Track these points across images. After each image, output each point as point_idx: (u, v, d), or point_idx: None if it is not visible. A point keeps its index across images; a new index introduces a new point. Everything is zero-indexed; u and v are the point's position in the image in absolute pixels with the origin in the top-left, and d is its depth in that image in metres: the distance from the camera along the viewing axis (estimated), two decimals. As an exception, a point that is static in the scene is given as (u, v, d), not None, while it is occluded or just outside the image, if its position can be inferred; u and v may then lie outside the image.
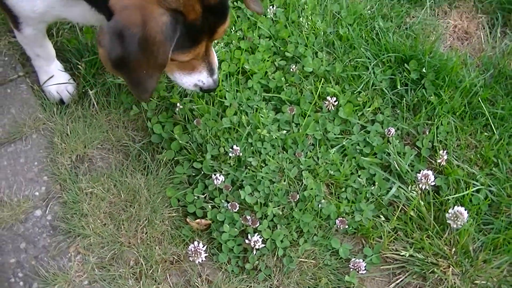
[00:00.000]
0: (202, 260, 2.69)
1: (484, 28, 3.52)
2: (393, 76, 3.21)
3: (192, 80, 2.56)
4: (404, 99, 3.16)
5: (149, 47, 2.09)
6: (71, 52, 3.14)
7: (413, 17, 3.52)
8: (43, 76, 3.12)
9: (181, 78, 2.57)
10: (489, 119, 3.07)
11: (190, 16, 2.15)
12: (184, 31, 2.17)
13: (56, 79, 3.09)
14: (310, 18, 3.33)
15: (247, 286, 2.72)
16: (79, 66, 3.06)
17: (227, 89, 3.09)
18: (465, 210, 2.73)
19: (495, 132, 3.04)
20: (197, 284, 2.72)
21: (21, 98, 3.16)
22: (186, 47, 2.30)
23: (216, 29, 2.34)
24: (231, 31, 3.28)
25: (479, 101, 3.12)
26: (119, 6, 2.05)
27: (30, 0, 2.45)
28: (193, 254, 2.67)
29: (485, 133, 3.08)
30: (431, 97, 3.11)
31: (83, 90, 3.06)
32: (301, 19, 3.34)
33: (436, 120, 3.07)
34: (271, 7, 3.36)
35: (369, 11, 3.45)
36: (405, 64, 3.22)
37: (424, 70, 3.17)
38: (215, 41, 2.79)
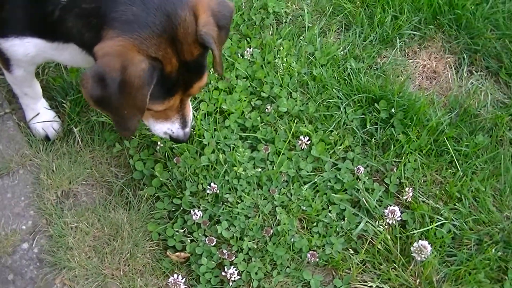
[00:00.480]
0: None
1: (451, 68, 3.63)
2: (363, 116, 3.32)
3: (163, 128, 2.65)
4: (374, 137, 3.26)
5: (127, 90, 2.16)
6: (56, 91, 3.22)
7: (384, 57, 3.63)
8: (29, 113, 3.18)
9: (153, 124, 2.65)
10: (454, 156, 3.18)
11: (167, 67, 2.24)
12: (160, 80, 2.25)
13: (42, 117, 3.16)
14: (285, 59, 3.43)
15: None
16: (64, 104, 3.14)
17: (205, 128, 3.17)
18: (429, 243, 2.82)
19: (459, 168, 3.15)
20: None
21: (8, 134, 3.21)
22: (161, 98, 2.38)
23: (192, 85, 2.43)
24: (210, 72, 3.29)
25: (445, 139, 3.22)
26: (101, 52, 2.14)
27: (23, 45, 2.52)
28: (173, 286, 2.74)
29: (450, 170, 3.18)
30: (400, 136, 3.21)
31: (68, 128, 3.14)
32: (276, 60, 3.44)
33: (403, 157, 3.17)
34: (248, 48, 3.45)
35: (341, 52, 3.56)
36: (375, 103, 3.32)
37: (393, 110, 3.27)
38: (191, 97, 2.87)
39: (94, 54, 2.19)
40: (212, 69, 3.20)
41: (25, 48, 2.54)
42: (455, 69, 3.66)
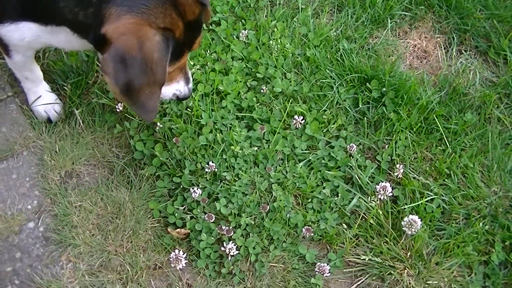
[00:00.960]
0: (182, 266, 2.82)
1: (441, 48, 3.69)
2: (356, 95, 3.38)
3: (171, 90, 2.71)
4: (366, 116, 3.33)
5: (148, 66, 2.19)
6: (57, 74, 3.24)
7: (375, 37, 3.69)
8: (31, 96, 3.22)
9: (163, 90, 2.63)
10: (443, 134, 3.25)
11: (176, 32, 2.29)
12: (174, 46, 2.30)
13: (44, 99, 3.20)
14: (279, 40, 3.48)
15: None
16: (65, 87, 3.18)
17: (203, 109, 3.21)
18: (419, 218, 2.89)
19: (448, 146, 3.23)
20: (178, 287, 2.87)
21: (11, 117, 3.25)
22: (173, 60, 2.40)
23: (194, 41, 2.49)
24: (206, 54, 3.40)
25: (434, 117, 3.28)
26: (116, 34, 2.15)
27: (18, 30, 2.55)
28: (174, 261, 2.81)
29: (439, 147, 3.25)
30: (391, 114, 3.27)
31: (70, 110, 3.18)
32: (271, 41, 3.48)
33: (395, 135, 3.23)
34: (243, 30, 3.50)
35: (334, 33, 3.60)
36: (367, 83, 3.38)
37: (384, 89, 3.33)
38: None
39: (104, 35, 2.18)
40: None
41: (21, 33, 2.57)
42: (444, 48, 3.71)
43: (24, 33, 2.57)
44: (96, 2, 2.23)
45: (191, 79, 2.74)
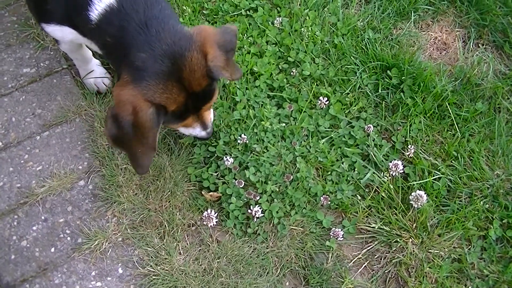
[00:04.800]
0: (213, 225, 3.02)
1: (460, 41, 3.83)
2: (377, 81, 3.51)
3: (187, 132, 2.83)
4: (385, 100, 3.47)
5: (140, 131, 2.35)
6: None
7: (399, 29, 3.82)
8: (82, 72, 3.43)
9: (181, 130, 2.84)
10: (454, 120, 3.37)
11: (171, 107, 2.42)
12: (170, 113, 2.45)
13: (94, 73, 3.40)
14: (310, 28, 3.62)
15: (248, 246, 3.04)
16: None
17: (238, 87, 3.37)
18: (425, 193, 3.07)
19: (458, 131, 3.34)
20: (208, 243, 3.03)
21: (65, 87, 3.45)
22: (176, 122, 2.60)
23: (201, 107, 2.62)
24: (243, 37, 3.57)
25: (447, 104, 3.40)
26: (117, 100, 2.35)
27: (61, 31, 2.77)
28: (206, 219, 3.01)
29: (450, 132, 3.36)
30: (408, 100, 3.41)
31: None
32: (303, 28, 3.63)
33: (410, 119, 3.37)
34: (278, 17, 3.65)
35: (361, 23, 3.74)
36: (388, 71, 3.52)
37: (403, 77, 3.46)
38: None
39: (112, 92, 2.44)
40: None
41: (63, 34, 2.78)
42: (463, 42, 3.84)
43: (66, 35, 2.79)
44: (120, 56, 2.44)
45: (209, 125, 2.81)
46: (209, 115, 2.81)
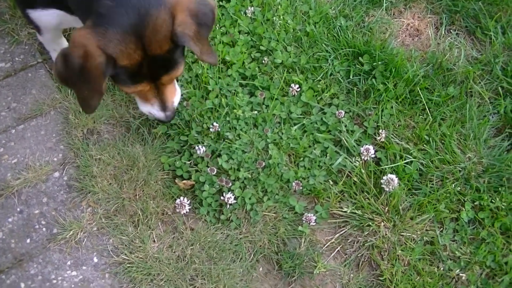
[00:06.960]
0: (186, 212, 3.05)
1: (432, 27, 3.87)
2: (348, 68, 3.53)
3: (145, 108, 2.79)
4: (357, 86, 3.50)
5: (86, 76, 2.29)
6: None
7: (371, 16, 3.83)
8: None
9: (139, 103, 2.80)
10: (426, 104, 3.41)
11: (122, 61, 2.33)
12: (120, 71, 2.38)
13: None
14: (282, 17, 3.64)
15: (221, 233, 3.07)
16: None
17: (210, 76, 3.39)
18: (397, 177, 3.12)
19: (430, 115, 3.38)
20: (182, 230, 3.07)
21: (40, 81, 3.46)
22: (128, 83, 2.50)
23: (159, 77, 2.55)
24: (216, 28, 3.58)
25: (419, 89, 3.44)
26: (71, 43, 2.28)
27: (47, 16, 2.79)
28: (180, 207, 3.04)
29: (422, 116, 3.40)
30: (379, 85, 3.43)
31: None
32: (275, 17, 3.64)
33: (381, 104, 3.40)
34: (250, 7, 3.66)
35: (333, 11, 3.75)
36: (360, 57, 3.54)
37: (375, 63, 3.49)
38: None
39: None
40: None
41: (49, 19, 2.82)
42: (436, 28, 3.88)
43: (52, 18, 2.81)
44: (87, 8, 2.37)
45: (170, 108, 2.77)
46: (171, 94, 2.76)
